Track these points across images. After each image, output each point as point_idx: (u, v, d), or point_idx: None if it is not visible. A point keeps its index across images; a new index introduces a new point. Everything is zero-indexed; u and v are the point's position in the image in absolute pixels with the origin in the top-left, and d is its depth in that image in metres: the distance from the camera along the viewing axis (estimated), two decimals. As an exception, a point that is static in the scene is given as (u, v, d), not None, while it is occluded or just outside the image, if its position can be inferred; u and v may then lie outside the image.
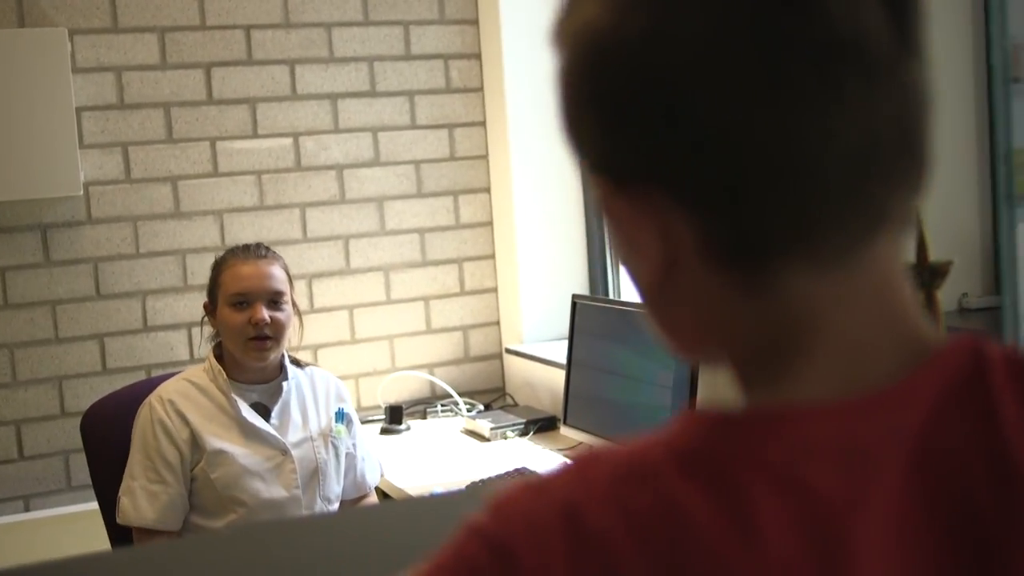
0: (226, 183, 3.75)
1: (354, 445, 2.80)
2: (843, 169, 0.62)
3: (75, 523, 3.52)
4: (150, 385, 2.82)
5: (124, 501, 2.56)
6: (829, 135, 0.62)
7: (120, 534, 2.66)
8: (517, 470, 2.96)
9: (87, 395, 3.57)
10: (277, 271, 2.67)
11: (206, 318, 2.73)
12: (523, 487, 0.67)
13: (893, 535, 0.61)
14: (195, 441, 2.57)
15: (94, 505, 3.54)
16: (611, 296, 3.96)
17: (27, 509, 3.58)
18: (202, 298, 3.69)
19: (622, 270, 3.93)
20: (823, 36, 0.61)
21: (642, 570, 0.60)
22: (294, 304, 2.69)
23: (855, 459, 0.61)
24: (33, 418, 3.58)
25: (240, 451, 2.58)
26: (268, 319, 2.59)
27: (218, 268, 2.70)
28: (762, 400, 0.67)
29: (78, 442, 3.59)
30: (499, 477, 2.92)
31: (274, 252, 2.73)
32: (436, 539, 0.68)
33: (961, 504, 0.62)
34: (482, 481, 2.91)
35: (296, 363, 2.77)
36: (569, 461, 0.68)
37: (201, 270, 3.72)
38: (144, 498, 2.54)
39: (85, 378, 3.62)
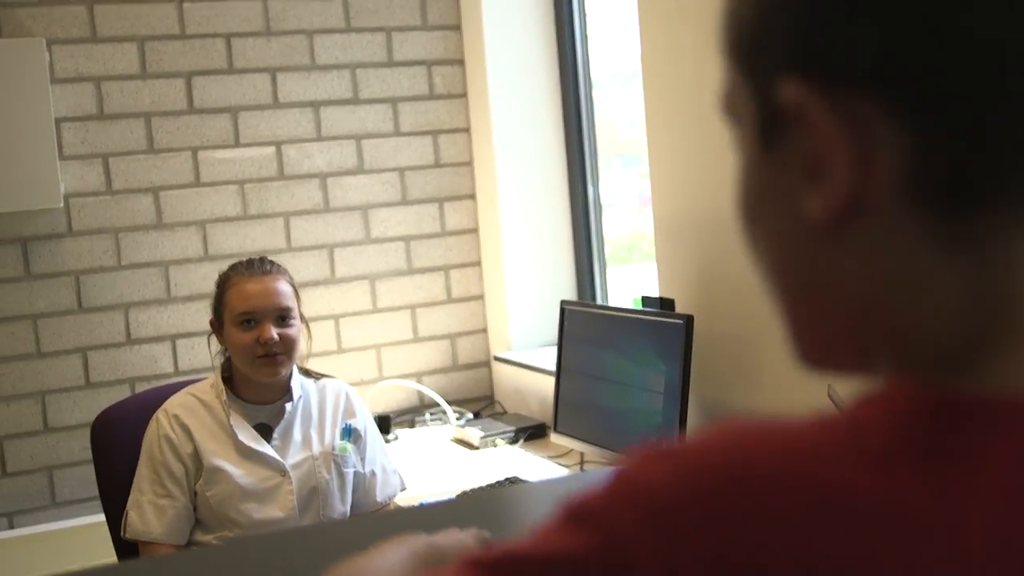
0: (208, 193, 3.71)
1: (363, 460, 2.72)
2: None
3: (60, 540, 3.47)
4: (157, 395, 2.78)
5: (132, 515, 2.54)
6: None
7: (125, 547, 2.63)
8: (508, 479, 2.92)
9: (70, 410, 3.53)
10: (284, 286, 2.61)
11: (213, 335, 2.68)
12: (650, 458, 0.57)
13: None
14: (197, 456, 2.54)
15: (79, 521, 3.51)
16: (599, 302, 3.93)
17: (11, 526, 3.53)
18: (185, 309, 3.68)
19: (609, 275, 3.91)
20: None
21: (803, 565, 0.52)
22: (302, 316, 2.66)
23: None
24: (16, 434, 3.53)
25: (237, 471, 2.55)
26: (277, 337, 2.55)
27: (223, 286, 2.64)
28: (959, 387, 0.56)
29: (62, 457, 3.56)
30: (489, 486, 2.89)
31: (279, 266, 2.67)
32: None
33: None
34: (472, 491, 2.88)
35: (309, 375, 2.73)
36: (719, 427, 0.57)
37: (184, 281, 3.68)
38: (152, 512, 2.52)
39: (68, 392, 3.57)
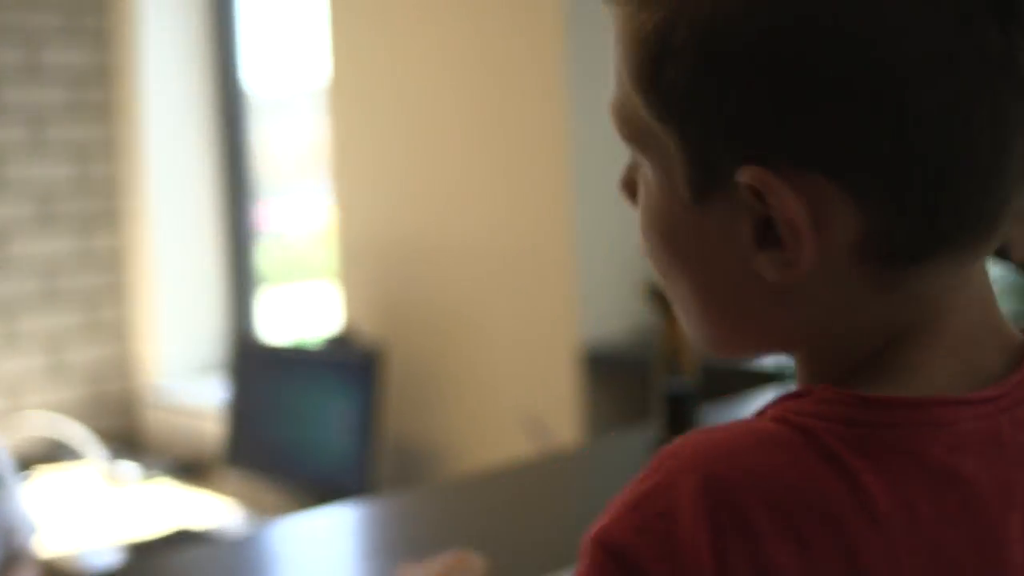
0: None
1: (8, 512, 2.48)
2: (1013, 182, 0.62)
3: None
4: None
5: None
6: (1018, 155, 0.61)
7: None
8: (179, 532, 2.74)
9: None
10: None
11: None
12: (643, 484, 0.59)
13: None
14: None
15: None
16: (255, 329, 3.80)
17: None
18: None
19: (266, 301, 3.78)
20: None
21: (787, 554, 0.56)
22: None
23: (996, 452, 0.61)
24: None
25: None
26: None
27: None
28: (866, 391, 0.62)
29: None
30: (159, 532, 2.70)
31: None
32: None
33: None
34: (143, 541, 2.68)
35: None
36: (667, 450, 0.60)
37: None
38: None
39: None
